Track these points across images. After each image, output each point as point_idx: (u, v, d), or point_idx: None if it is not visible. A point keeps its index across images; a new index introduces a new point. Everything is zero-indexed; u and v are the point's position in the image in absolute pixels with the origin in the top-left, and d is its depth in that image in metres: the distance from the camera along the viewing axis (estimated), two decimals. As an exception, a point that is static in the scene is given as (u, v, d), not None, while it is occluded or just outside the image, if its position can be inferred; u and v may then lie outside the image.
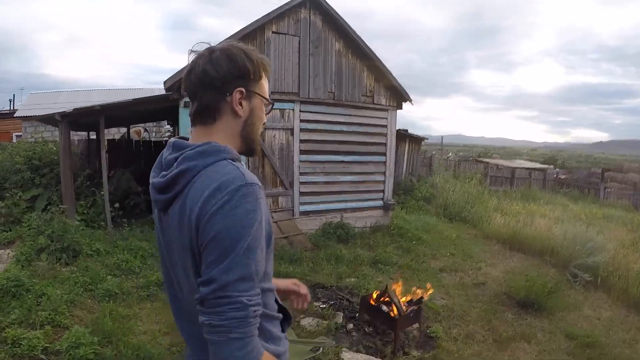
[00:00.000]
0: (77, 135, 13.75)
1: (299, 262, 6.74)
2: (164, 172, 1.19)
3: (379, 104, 8.99)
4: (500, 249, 8.59)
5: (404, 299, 4.30)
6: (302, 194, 8.48)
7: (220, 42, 1.26)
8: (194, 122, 1.26)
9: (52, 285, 5.23)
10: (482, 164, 19.42)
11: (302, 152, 8.36)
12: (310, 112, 8.31)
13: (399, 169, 13.52)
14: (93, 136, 12.64)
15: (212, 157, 1.13)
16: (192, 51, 1.27)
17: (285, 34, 7.94)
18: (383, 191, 9.35)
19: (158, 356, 3.96)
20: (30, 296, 4.89)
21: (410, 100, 9.18)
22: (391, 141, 9.24)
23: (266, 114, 1.32)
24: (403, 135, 13.61)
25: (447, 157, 23.81)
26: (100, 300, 5.09)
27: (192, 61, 1.22)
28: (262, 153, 8.08)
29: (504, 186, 18.06)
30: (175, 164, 1.16)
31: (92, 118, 7.92)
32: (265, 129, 7.62)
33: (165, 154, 1.24)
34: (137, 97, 8.02)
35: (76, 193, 8.51)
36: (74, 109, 7.60)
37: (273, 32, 7.83)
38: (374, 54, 8.62)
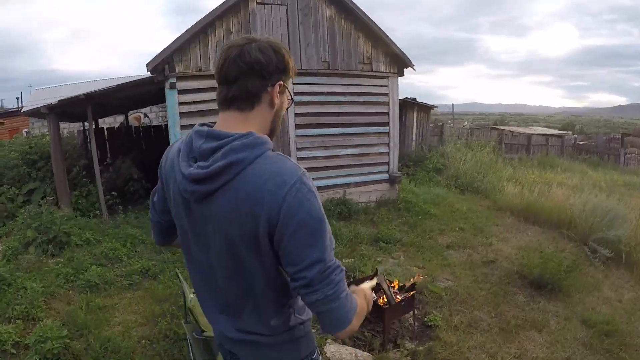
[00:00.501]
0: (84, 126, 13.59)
1: None
2: (202, 163, 1.17)
3: (378, 71, 8.40)
4: (513, 221, 8.02)
5: (395, 284, 3.87)
6: None
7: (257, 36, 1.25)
8: (227, 106, 1.24)
9: (33, 279, 5.07)
10: (496, 132, 18.64)
11: (297, 126, 7.92)
12: (304, 83, 7.81)
13: (408, 139, 12.95)
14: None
15: (258, 149, 1.16)
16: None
17: (271, 4, 7.42)
18: (388, 163, 8.85)
19: (126, 349, 3.76)
20: (10, 290, 4.77)
21: (412, 66, 8.56)
22: (394, 110, 8.67)
23: (288, 107, 1.38)
24: (411, 104, 12.98)
25: (464, 126, 22.99)
26: (80, 291, 4.92)
27: (235, 47, 1.20)
28: (256, 130, 7.62)
29: (520, 154, 17.33)
30: (219, 155, 1.15)
31: (81, 108, 7.64)
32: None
33: (198, 142, 1.20)
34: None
35: (73, 184, 8.46)
36: (59, 100, 7.44)
37: (258, 3, 7.33)
38: (369, 19, 8.01)
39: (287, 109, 1.38)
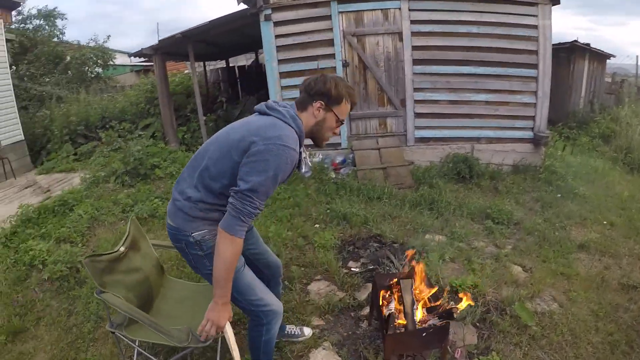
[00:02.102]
0: (213, 65, 14.10)
1: (376, 202, 5.24)
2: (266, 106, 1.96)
3: (525, -4, 6.27)
4: (693, 226, 5.22)
5: (429, 301, 2.54)
6: (418, 115, 6.74)
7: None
8: (296, 103, 2.00)
9: (92, 206, 5.12)
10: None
11: (416, 61, 6.53)
12: (425, 9, 6.29)
13: (575, 94, 10.14)
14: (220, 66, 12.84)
15: (286, 119, 1.87)
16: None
17: None
18: (533, 118, 6.82)
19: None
20: (70, 215, 4.94)
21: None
22: (545, 49, 6.48)
23: (335, 127, 2.03)
24: (581, 50, 9.96)
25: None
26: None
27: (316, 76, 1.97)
28: (363, 65, 6.57)
29: None
30: (277, 106, 1.93)
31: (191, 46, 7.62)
32: (364, 35, 6.06)
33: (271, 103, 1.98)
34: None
35: (186, 119, 8.74)
36: (159, 41, 7.64)
37: None
38: None
39: (335, 127, 2.03)
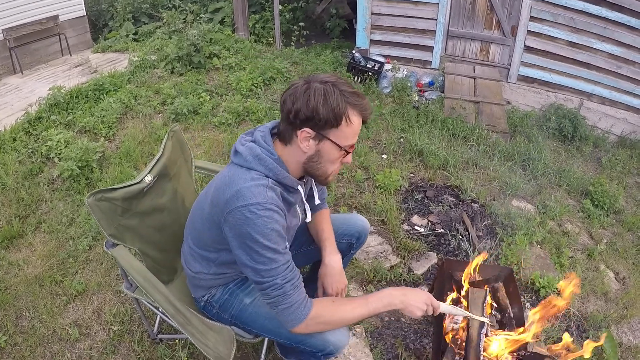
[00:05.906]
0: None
1: (461, 142, 4.28)
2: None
3: None
4: None
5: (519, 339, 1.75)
6: (527, 49, 5.56)
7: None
8: (278, 133, 1.33)
9: (132, 93, 4.55)
10: None
11: (539, -14, 5.20)
12: None
13: None
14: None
15: (256, 164, 1.27)
16: None
17: None
18: (660, 88, 5.35)
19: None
20: (104, 101, 4.45)
21: None
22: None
23: (340, 157, 1.30)
24: None
25: None
26: (167, 117, 4.20)
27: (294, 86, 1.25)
28: (477, -23, 5.33)
29: None
30: (242, 146, 1.31)
31: None
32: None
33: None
34: None
35: (262, 7, 7.79)
36: None
37: None
38: None
39: (340, 157, 1.30)
